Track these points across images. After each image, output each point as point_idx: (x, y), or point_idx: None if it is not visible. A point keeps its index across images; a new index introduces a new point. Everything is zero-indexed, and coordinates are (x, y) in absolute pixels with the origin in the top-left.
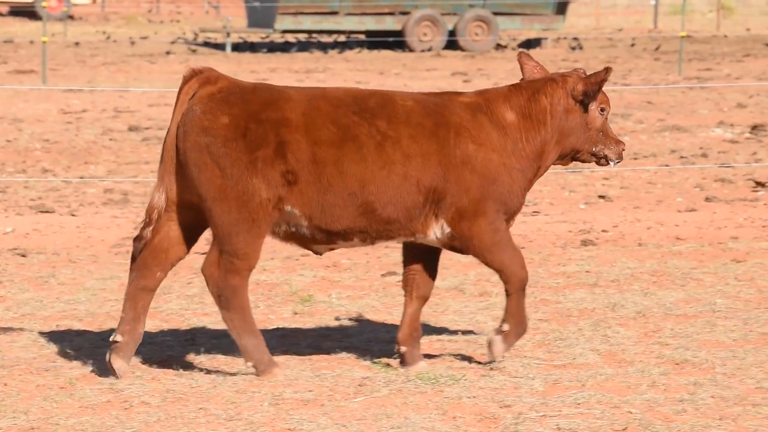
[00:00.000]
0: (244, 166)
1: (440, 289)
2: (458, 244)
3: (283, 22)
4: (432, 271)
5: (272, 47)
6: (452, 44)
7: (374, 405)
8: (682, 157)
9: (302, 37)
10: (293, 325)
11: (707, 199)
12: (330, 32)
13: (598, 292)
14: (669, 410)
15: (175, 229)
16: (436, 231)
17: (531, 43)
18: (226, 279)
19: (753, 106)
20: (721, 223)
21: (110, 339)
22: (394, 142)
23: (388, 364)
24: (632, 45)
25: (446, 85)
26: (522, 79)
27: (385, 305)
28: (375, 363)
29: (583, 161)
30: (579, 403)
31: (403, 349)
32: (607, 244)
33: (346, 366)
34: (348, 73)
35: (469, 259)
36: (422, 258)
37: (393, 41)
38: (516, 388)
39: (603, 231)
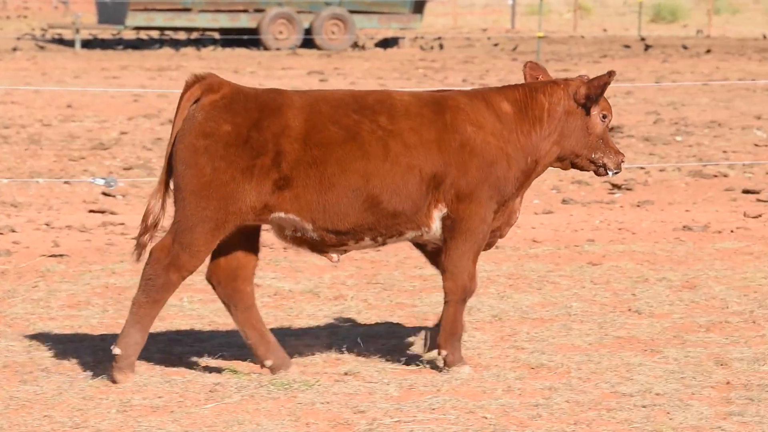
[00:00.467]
0: (240, 170)
1: (294, 292)
2: (449, 226)
3: (134, 19)
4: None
5: (124, 44)
6: (308, 43)
7: (225, 411)
8: None
9: (155, 34)
10: None
11: (564, 202)
12: (183, 29)
13: None
14: (524, 415)
15: (232, 243)
16: (437, 221)
17: (388, 42)
18: (167, 271)
19: None
20: (578, 226)
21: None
22: (395, 134)
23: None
24: (495, 45)
25: (302, 85)
26: None
27: None
28: (232, 369)
29: (581, 168)
30: (434, 409)
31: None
32: None
33: (197, 371)
34: (202, 71)
35: (324, 262)
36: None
37: (248, 39)
38: (370, 394)
39: None
